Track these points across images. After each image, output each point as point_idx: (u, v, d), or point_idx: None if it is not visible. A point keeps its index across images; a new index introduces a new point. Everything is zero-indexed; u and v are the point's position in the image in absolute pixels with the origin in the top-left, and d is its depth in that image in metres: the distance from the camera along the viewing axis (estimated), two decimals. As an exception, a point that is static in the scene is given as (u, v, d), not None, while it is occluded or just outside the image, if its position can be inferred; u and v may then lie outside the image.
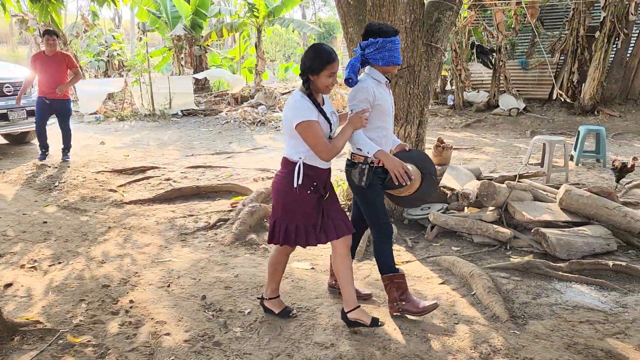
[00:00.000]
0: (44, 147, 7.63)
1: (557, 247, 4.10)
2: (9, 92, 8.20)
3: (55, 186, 6.40)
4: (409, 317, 3.15)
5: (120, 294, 3.51)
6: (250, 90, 16.88)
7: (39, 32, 17.49)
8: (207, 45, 19.16)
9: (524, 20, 12.91)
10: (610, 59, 11.92)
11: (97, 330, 3.02)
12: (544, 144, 6.83)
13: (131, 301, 3.38)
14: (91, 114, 14.28)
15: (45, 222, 5.11)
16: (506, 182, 5.01)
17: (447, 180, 5.29)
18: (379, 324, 2.96)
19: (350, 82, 2.94)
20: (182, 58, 18.62)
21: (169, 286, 3.62)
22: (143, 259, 4.18)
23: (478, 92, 14.06)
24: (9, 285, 3.65)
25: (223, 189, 6.13)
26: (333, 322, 3.10)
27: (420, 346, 2.86)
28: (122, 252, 4.32)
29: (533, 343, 2.89)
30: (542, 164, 6.85)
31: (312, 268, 4.04)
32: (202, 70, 17.93)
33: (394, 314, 3.18)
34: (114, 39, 20.37)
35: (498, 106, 13.03)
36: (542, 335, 2.98)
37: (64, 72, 7.38)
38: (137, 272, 3.88)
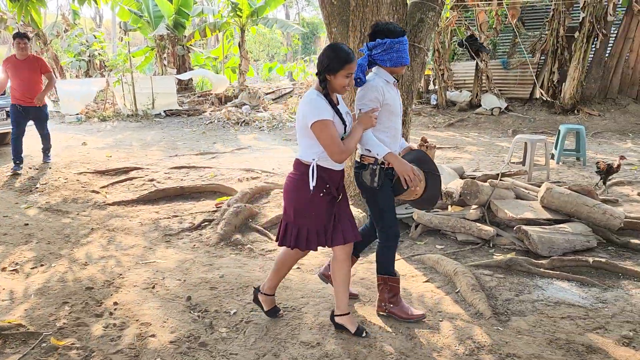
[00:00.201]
0: (18, 159, 7.06)
1: (538, 245, 4.16)
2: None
3: (37, 188, 6.32)
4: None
5: (104, 296, 3.48)
6: (234, 90, 16.82)
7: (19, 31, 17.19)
8: (190, 45, 19.04)
9: (505, 21, 13.07)
10: (589, 59, 12.13)
11: (81, 333, 2.99)
12: (526, 143, 6.93)
13: (115, 303, 3.35)
14: (72, 115, 14.11)
15: (27, 224, 5.04)
16: (489, 180, 5.08)
17: (431, 179, 5.33)
18: (363, 335, 2.94)
19: (358, 82, 2.90)
20: (164, 58, 18.48)
21: (153, 287, 3.60)
22: (127, 260, 4.15)
23: (461, 91, 14.20)
24: (-10, 288, 3.60)
25: (207, 190, 6.10)
26: (319, 321, 3.11)
27: (406, 344, 2.89)
28: (106, 254, 4.28)
29: (516, 339, 2.93)
30: (523, 163, 6.95)
31: (298, 268, 4.05)
32: (186, 70, 17.82)
33: (381, 313, 3.20)
34: (95, 38, 20.15)
35: (480, 105, 13.17)
36: (525, 331, 3.02)
37: (38, 76, 6.95)
38: (121, 274, 3.85)
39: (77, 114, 14.19)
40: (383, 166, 2.94)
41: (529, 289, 3.61)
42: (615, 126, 11.18)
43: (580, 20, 11.77)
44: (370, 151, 2.91)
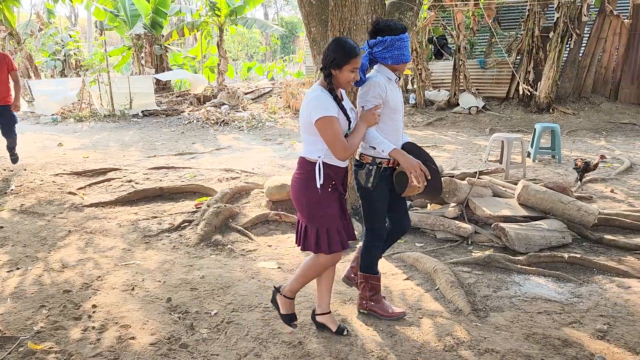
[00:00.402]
0: None
1: (515, 241, 4.24)
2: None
3: (11, 190, 6.20)
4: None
5: (83, 298, 3.43)
6: (212, 89, 16.70)
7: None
8: (168, 44, 18.85)
9: (482, 21, 13.24)
10: (563, 59, 12.37)
11: (59, 337, 2.95)
12: (502, 142, 7.03)
13: (94, 306, 3.31)
14: (48, 115, 13.85)
15: (1, 227, 4.94)
16: (467, 178, 5.15)
17: (410, 177, 5.39)
18: (344, 333, 2.96)
19: (358, 81, 2.86)
20: (142, 57, 18.25)
21: (133, 289, 3.57)
22: (106, 262, 4.10)
23: (439, 91, 14.34)
24: (-37, 293, 3.52)
25: (187, 190, 6.06)
26: (300, 320, 3.11)
27: (387, 341, 2.92)
28: (84, 257, 4.22)
29: (494, 334, 2.98)
30: (501, 161, 7.05)
31: (279, 267, 4.05)
32: (164, 70, 17.64)
33: (361, 310, 3.22)
34: (71, 37, 19.82)
35: (458, 105, 13.33)
36: (503, 326, 3.08)
37: (5, 75, 6.75)
38: (99, 276, 3.80)
39: (53, 115, 13.94)
40: (380, 166, 2.92)
41: (506, 285, 3.67)
42: (589, 124, 11.42)
43: (554, 21, 12.00)
44: (375, 148, 2.87)
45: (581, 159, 6.02)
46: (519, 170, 6.94)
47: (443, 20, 13.96)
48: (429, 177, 2.82)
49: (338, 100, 2.69)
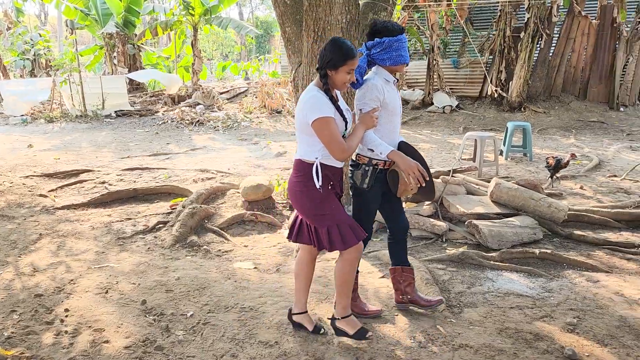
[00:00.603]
0: None
1: (489, 238, 4.32)
2: None
3: (-21, 193, 6.04)
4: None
5: (55, 302, 3.37)
6: (187, 89, 16.54)
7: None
8: (142, 43, 18.60)
9: (455, 21, 13.42)
10: (534, 59, 12.61)
11: (31, 342, 2.89)
12: (476, 140, 7.14)
13: (67, 310, 3.26)
14: (17, 116, 13.52)
15: (-31, 231, 4.81)
16: (441, 177, 5.22)
17: (386, 176, 5.44)
18: (321, 332, 2.96)
19: (355, 84, 2.85)
20: (114, 57, 17.97)
21: (107, 292, 3.52)
22: (78, 265, 4.03)
23: (413, 90, 14.48)
24: None
25: (162, 191, 6.00)
26: (277, 320, 3.12)
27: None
28: (56, 260, 4.15)
29: (468, 330, 3.03)
30: (474, 159, 7.16)
31: (255, 267, 4.04)
32: (137, 70, 17.39)
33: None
34: (40, 36, 19.39)
35: (433, 104, 13.48)
36: (476, 322, 3.13)
37: None
38: (72, 280, 3.74)
39: (23, 115, 13.62)
40: (376, 168, 2.92)
41: (480, 281, 3.74)
42: (559, 123, 11.67)
43: (525, 21, 12.23)
44: (373, 150, 2.86)
45: (553, 157, 6.14)
46: (491, 168, 7.06)
47: (417, 20, 14.10)
48: (427, 179, 2.83)
49: (334, 101, 2.67)
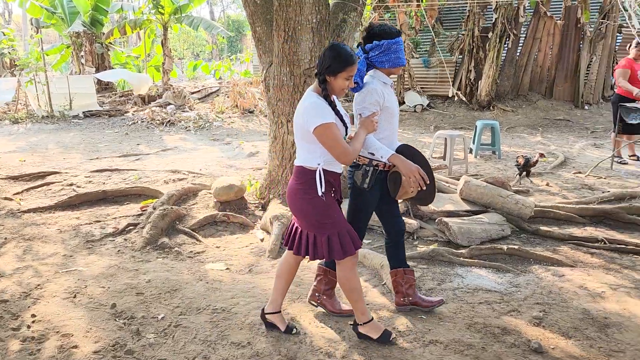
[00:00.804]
0: None
1: (458, 235, 4.39)
2: None
3: (-60, 197, 5.85)
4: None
5: (21, 308, 3.30)
6: (158, 89, 16.31)
7: None
8: (110, 42, 18.25)
9: (424, 21, 13.57)
10: (502, 58, 12.86)
11: (-4, 349, 2.82)
12: (446, 139, 7.25)
13: (33, 315, 3.19)
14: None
15: None
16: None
17: (357, 175, 5.48)
18: (293, 332, 2.98)
19: (355, 87, 2.85)
20: (82, 56, 17.59)
21: (75, 297, 3.46)
22: (46, 270, 3.94)
23: (385, 89, 14.57)
24: None
25: (132, 193, 5.91)
26: (249, 320, 3.12)
27: (335, 337, 2.96)
28: (22, 265, 4.05)
29: (438, 326, 3.09)
30: (444, 157, 7.27)
31: (227, 268, 4.03)
32: (105, 69, 17.06)
33: (313, 302, 3.23)
34: (4, 35, 18.84)
35: (404, 103, 13.61)
36: (446, 318, 3.19)
37: None
38: (39, 285, 3.66)
39: (-15, 116, 13.22)
40: (377, 168, 2.93)
41: (450, 277, 3.80)
42: (527, 121, 11.93)
43: (493, 21, 12.46)
44: (374, 154, 2.86)
45: (522, 155, 6.28)
46: (461, 166, 7.18)
47: (388, 20, 14.20)
48: (428, 182, 2.83)
49: (333, 106, 2.67)
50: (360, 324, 2.91)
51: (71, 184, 6.32)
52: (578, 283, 3.67)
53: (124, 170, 7.16)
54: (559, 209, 5.05)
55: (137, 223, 4.92)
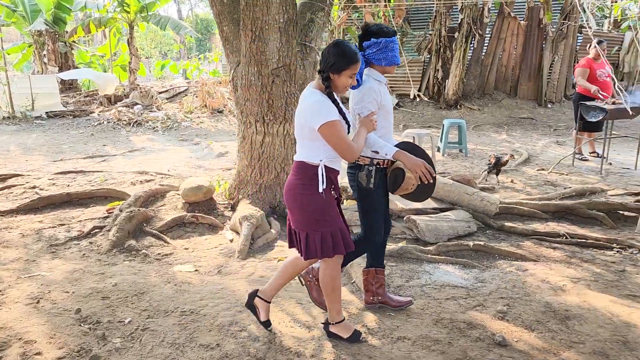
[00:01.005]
0: None
1: (426, 232, 4.46)
2: None
3: None
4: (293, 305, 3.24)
5: (-19, 316, 3.20)
6: (124, 89, 16.01)
7: None
8: (74, 41, 17.82)
9: (392, 21, 13.70)
10: (468, 58, 13.09)
11: (-46, 359, 2.73)
12: (414, 137, 7.34)
13: (-6, 323, 3.10)
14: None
15: None
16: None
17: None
18: (269, 328, 2.99)
19: (355, 85, 2.85)
20: (44, 55, 17.11)
21: (38, 302, 3.37)
22: (7, 275, 3.83)
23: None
24: None
25: (97, 195, 5.79)
26: (218, 322, 3.10)
27: (304, 335, 2.97)
28: (-18, 271, 3.93)
29: (406, 322, 3.13)
30: (413, 156, 7.34)
31: (196, 270, 3.99)
32: (69, 69, 16.64)
33: (302, 280, 3.17)
34: (-39, 33, 18.16)
35: (373, 102, 13.69)
36: (414, 314, 3.24)
37: None
38: (0, 291, 3.55)
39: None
40: (379, 166, 2.95)
41: (418, 274, 3.86)
42: (493, 119, 12.19)
43: (459, 22, 12.67)
44: (377, 153, 2.88)
45: (494, 155, 6.41)
46: (429, 165, 7.26)
47: (357, 20, 14.28)
48: (434, 175, 2.87)
49: (337, 104, 2.67)
50: (332, 324, 2.92)
51: (34, 187, 6.16)
52: (540, 277, 3.78)
53: (89, 172, 7.01)
54: (523, 205, 5.18)
55: (103, 226, 4.83)
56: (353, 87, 2.90)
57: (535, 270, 3.92)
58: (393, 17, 13.40)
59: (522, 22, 12.95)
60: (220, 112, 13.32)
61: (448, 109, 12.91)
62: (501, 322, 3.14)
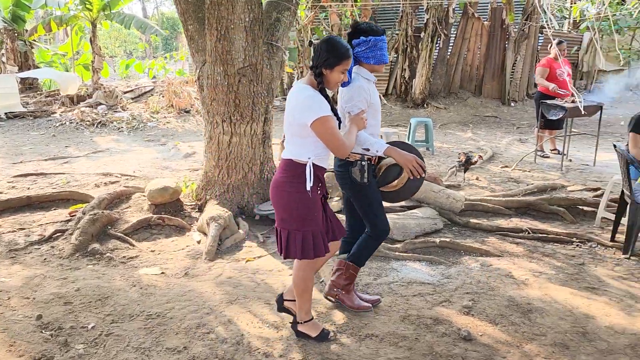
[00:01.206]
0: None
1: (394, 230, 4.50)
2: None
3: None
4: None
5: None
6: (87, 89, 15.63)
7: None
8: (34, 40, 17.30)
9: (359, 21, 13.78)
10: (434, 57, 13.27)
11: None
12: (381, 136, 7.40)
13: (-50, 332, 2.98)
14: None
15: None
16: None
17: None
18: (329, 337, 2.94)
19: (344, 82, 2.85)
20: (2, 54, 16.55)
21: (-3, 310, 3.27)
22: (-37, 282, 3.70)
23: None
24: None
25: (60, 198, 5.63)
26: (185, 325, 3.06)
27: (272, 335, 2.97)
28: (-64, 278, 3.78)
29: (374, 320, 3.16)
30: (380, 155, 7.40)
31: (162, 273, 3.93)
32: (29, 68, 16.14)
33: (329, 298, 3.22)
34: None
35: (342, 101, 13.75)
36: (382, 311, 3.27)
37: None
38: (-44, 299, 3.43)
39: None
40: (370, 162, 2.96)
41: (386, 272, 3.90)
42: (458, 118, 12.39)
43: (425, 22, 12.84)
44: (369, 150, 2.89)
45: (464, 153, 6.51)
46: (397, 163, 7.33)
47: (324, 20, 14.31)
48: (426, 169, 2.91)
49: (329, 100, 2.67)
50: (301, 323, 2.92)
51: (-8, 190, 5.96)
52: (504, 272, 3.86)
53: (51, 174, 6.83)
54: (488, 202, 5.28)
55: (66, 229, 4.70)
56: (343, 85, 2.92)
57: (499, 265, 4.00)
58: (359, 17, 13.47)
59: (485, 22, 13.21)
60: (188, 112, 13.15)
61: (415, 108, 13.07)
62: (467, 317, 3.20)
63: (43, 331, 2.99)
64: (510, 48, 13.19)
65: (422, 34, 12.84)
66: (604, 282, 3.71)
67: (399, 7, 13.37)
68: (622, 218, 4.45)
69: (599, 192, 5.58)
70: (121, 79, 22.11)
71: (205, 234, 4.61)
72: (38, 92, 16.34)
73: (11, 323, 3.08)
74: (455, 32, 13.44)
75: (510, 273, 3.84)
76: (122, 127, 11.43)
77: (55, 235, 4.64)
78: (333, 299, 3.29)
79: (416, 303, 3.38)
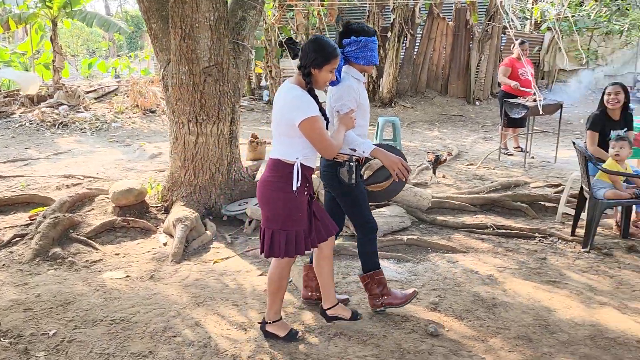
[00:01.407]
0: None
1: (361, 229, 4.52)
2: None
3: None
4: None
5: None
6: (48, 88, 15.19)
7: None
8: (-9, 38, 16.71)
9: (326, 20, 13.80)
10: (401, 57, 13.41)
11: None
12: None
13: None
14: None
15: None
16: (317, 172, 5.35)
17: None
18: (358, 317, 3.07)
19: (333, 82, 2.83)
20: (-43, 53, 15.94)
21: (-48, 318, 3.14)
22: None
23: (291, 87, 14.62)
24: None
25: (19, 201, 5.45)
26: (151, 329, 3.01)
27: (240, 336, 2.94)
28: None
29: (342, 318, 3.16)
30: (348, 154, 7.42)
31: (127, 276, 3.85)
32: (-14, 67, 15.60)
33: (377, 309, 3.19)
34: None
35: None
36: (351, 310, 3.27)
37: None
38: None
39: None
40: (358, 162, 2.96)
41: (354, 270, 3.91)
42: (425, 117, 12.55)
43: (391, 22, 12.95)
44: (355, 150, 2.88)
45: (432, 152, 6.58)
46: (365, 162, 7.37)
47: (292, 19, 14.28)
48: (410, 171, 2.93)
49: (317, 100, 2.66)
50: (269, 323, 2.91)
51: (-54, 194, 5.72)
52: (470, 268, 3.93)
53: (9, 177, 6.60)
54: (454, 199, 5.37)
55: (25, 233, 4.56)
56: (332, 84, 2.92)
57: (465, 261, 4.07)
58: (326, 16, 13.50)
59: (450, 22, 13.41)
60: (153, 112, 12.94)
61: (383, 107, 13.17)
62: (434, 313, 3.24)
63: (2, 339, 2.89)
64: (475, 48, 13.43)
65: (389, 34, 12.95)
66: (564, 275, 3.82)
67: (366, 6, 13.44)
68: (582, 213, 4.58)
69: (559, 188, 5.74)
70: (84, 79, 21.57)
71: (171, 235, 4.54)
72: (-4, 92, 15.77)
73: (-33, 332, 2.97)
74: (421, 32, 13.60)
75: (475, 269, 3.91)
76: (84, 128, 11.15)
77: (15, 240, 4.49)
78: (383, 308, 3.22)
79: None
